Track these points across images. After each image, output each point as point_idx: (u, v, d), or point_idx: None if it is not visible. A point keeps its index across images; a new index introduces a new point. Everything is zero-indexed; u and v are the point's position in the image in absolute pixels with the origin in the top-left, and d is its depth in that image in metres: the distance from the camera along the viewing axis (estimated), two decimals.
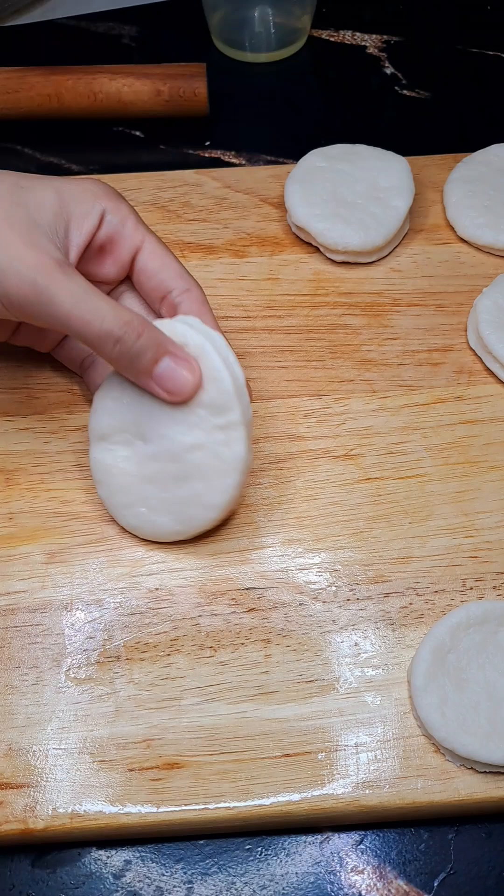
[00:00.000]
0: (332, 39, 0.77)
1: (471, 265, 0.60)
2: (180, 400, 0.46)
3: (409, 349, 0.56)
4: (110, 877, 0.43)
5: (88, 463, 0.51)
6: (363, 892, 0.43)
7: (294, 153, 0.65)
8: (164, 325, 0.47)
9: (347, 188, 0.60)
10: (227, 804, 0.43)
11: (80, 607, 0.48)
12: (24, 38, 0.78)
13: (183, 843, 0.44)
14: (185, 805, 0.43)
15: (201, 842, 0.44)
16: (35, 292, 0.43)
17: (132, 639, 0.47)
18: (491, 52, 0.76)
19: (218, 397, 0.46)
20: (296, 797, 0.43)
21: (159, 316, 0.50)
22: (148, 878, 0.43)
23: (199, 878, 0.43)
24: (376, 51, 0.76)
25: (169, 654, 0.47)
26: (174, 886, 0.43)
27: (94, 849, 0.44)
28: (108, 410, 0.48)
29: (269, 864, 0.44)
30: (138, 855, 0.44)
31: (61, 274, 0.43)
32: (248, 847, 0.44)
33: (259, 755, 0.44)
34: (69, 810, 0.43)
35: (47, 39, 0.78)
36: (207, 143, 0.70)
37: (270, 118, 0.73)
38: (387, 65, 0.75)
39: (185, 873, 0.43)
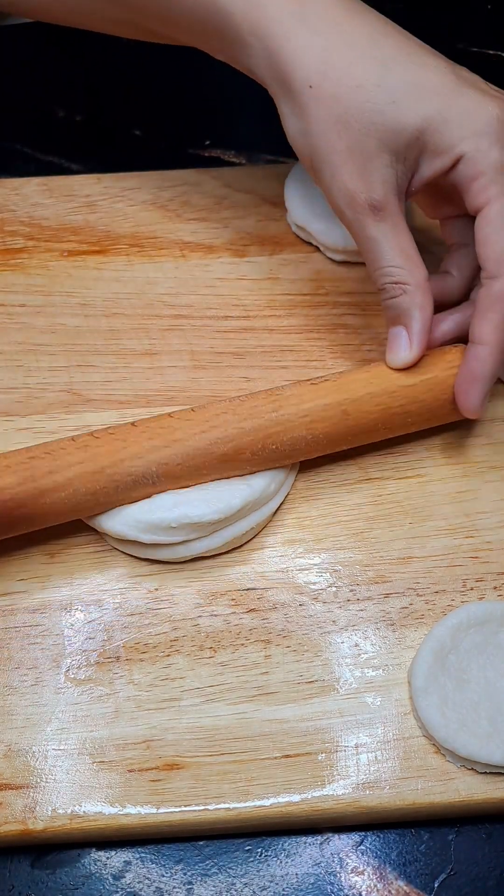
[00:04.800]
0: None
1: None
2: (393, 366, 0.48)
3: None
4: (110, 878, 0.43)
5: None
6: (363, 893, 0.43)
7: (294, 152, 0.65)
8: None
9: None
10: (227, 805, 0.43)
11: (80, 608, 0.48)
12: (24, 38, 0.78)
13: (183, 843, 0.44)
14: (185, 806, 0.43)
15: (201, 843, 0.44)
16: (348, 220, 0.48)
17: (132, 639, 0.47)
18: (491, 52, 0.76)
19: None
20: (296, 798, 0.43)
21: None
22: (148, 878, 0.43)
23: (199, 878, 0.43)
24: None
25: (168, 655, 0.46)
26: (174, 887, 0.43)
27: (94, 850, 0.44)
28: None
29: (269, 865, 0.44)
30: (138, 856, 0.44)
31: (367, 215, 0.46)
32: (248, 848, 0.44)
33: (259, 756, 0.44)
34: (69, 811, 0.43)
35: (47, 39, 0.78)
36: (207, 143, 0.70)
37: (270, 117, 0.73)
38: None
39: (184, 874, 0.43)
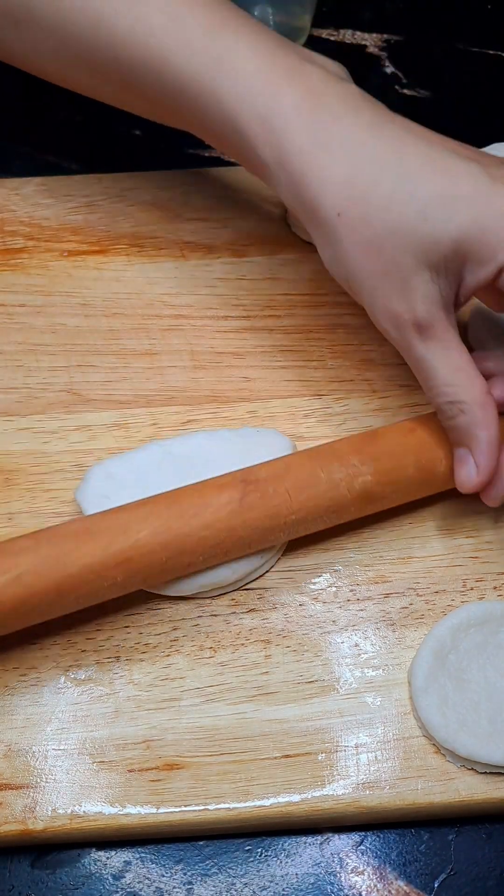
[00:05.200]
0: (332, 38, 0.77)
1: None
2: (462, 490, 0.46)
3: None
4: (110, 878, 0.43)
5: (88, 463, 0.51)
6: (363, 893, 0.43)
7: None
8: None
9: None
10: (227, 805, 0.43)
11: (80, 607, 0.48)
12: None
13: (183, 843, 0.44)
14: (185, 806, 0.43)
15: (201, 843, 0.44)
16: (393, 340, 0.46)
17: (132, 639, 0.47)
18: (491, 52, 0.76)
19: None
20: (296, 798, 0.43)
21: None
22: (148, 878, 0.43)
23: (199, 879, 0.43)
24: (376, 50, 0.76)
25: (168, 655, 0.46)
26: (174, 887, 0.43)
27: (94, 850, 0.44)
28: None
29: (269, 865, 0.44)
30: (138, 856, 0.44)
31: (413, 335, 0.44)
32: (248, 848, 0.44)
33: (259, 756, 0.44)
34: (69, 811, 0.43)
35: None
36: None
37: None
38: (387, 64, 0.75)
39: (184, 874, 0.43)
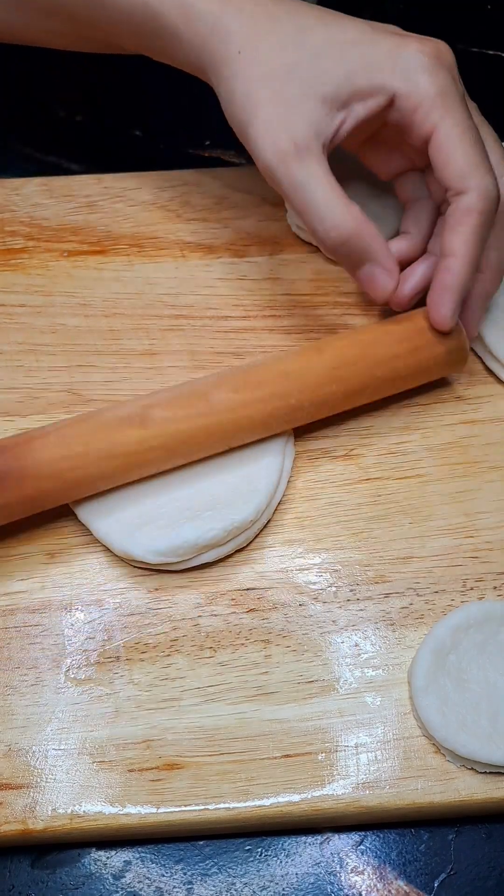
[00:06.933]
0: None
1: None
2: (380, 303, 0.50)
3: None
4: (110, 877, 0.43)
5: None
6: (363, 893, 0.43)
7: None
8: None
9: (347, 187, 0.60)
10: (226, 805, 0.43)
11: (80, 608, 0.48)
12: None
13: (183, 843, 0.44)
14: (185, 806, 0.43)
15: (201, 842, 0.44)
16: (267, 171, 0.48)
17: (132, 639, 0.47)
18: (491, 52, 0.76)
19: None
20: (296, 798, 0.43)
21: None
22: (148, 878, 0.43)
23: (199, 878, 0.43)
24: None
25: (169, 655, 0.46)
26: (174, 887, 0.43)
27: (94, 849, 0.44)
28: None
29: (269, 864, 0.44)
30: (138, 856, 0.44)
31: (291, 158, 0.47)
32: (248, 848, 0.44)
33: (259, 756, 0.44)
34: (69, 811, 0.43)
35: None
36: (207, 143, 0.70)
37: None
38: None
39: (184, 874, 0.43)
